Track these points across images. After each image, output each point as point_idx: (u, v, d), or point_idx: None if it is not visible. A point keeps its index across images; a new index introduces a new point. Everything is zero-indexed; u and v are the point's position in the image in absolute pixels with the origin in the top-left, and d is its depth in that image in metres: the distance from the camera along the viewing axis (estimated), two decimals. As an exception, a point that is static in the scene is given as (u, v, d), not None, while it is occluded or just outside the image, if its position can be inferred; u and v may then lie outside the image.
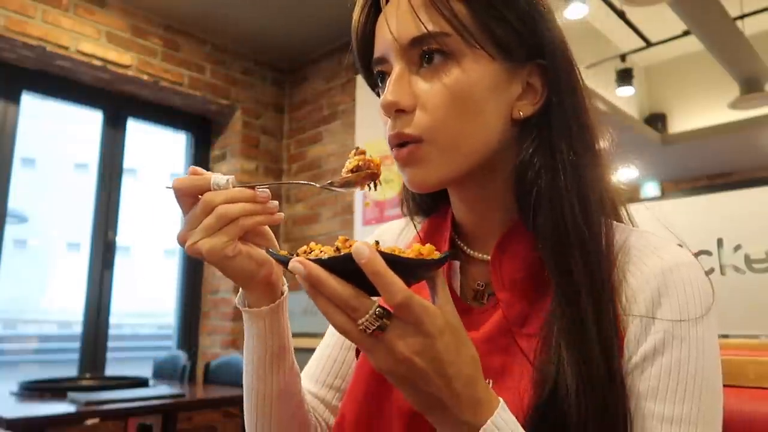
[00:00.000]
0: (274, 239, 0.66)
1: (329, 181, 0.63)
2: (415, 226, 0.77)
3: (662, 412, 0.54)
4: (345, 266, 0.46)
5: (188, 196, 0.60)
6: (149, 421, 2.60)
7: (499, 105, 0.61)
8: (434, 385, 0.48)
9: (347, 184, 0.63)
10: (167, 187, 0.62)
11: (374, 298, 0.48)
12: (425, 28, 0.58)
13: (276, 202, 0.62)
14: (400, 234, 0.81)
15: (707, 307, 0.57)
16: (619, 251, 0.60)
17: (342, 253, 0.47)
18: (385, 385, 0.64)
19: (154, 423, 2.58)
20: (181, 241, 0.60)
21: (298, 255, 0.50)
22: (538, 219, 0.60)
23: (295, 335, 0.73)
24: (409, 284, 0.47)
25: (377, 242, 0.50)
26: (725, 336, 1.50)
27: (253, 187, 0.61)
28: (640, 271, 0.58)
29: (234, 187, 0.60)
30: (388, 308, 0.47)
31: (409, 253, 0.50)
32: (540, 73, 0.62)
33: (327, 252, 0.50)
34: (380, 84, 0.66)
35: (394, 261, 0.46)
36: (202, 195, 0.59)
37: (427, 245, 0.51)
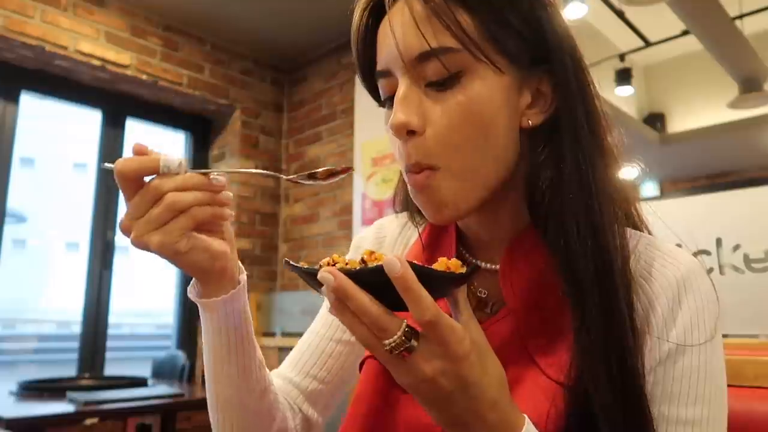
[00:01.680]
0: (229, 228, 0.62)
1: (296, 174, 0.62)
2: (416, 226, 0.75)
3: (675, 414, 0.55)
4: (374, 278, 0.45)
5: (133, 180, 0.54)
6: (148, 420, 2.60)
7: (510, 117, 0.58)
8: (458, 406, 0.48)
9: (314, 177, 0.61)
10: (105, 166, 0.55)
11: (397, 314, 0.47)
12: (429, 45, 0.55)
13: (230, 194, 0.58)
14: (401, 231, 0.79)
15: (717, 316, 0.58)
16: (631, 259, 0.60)
17: (371, 265, 0.46)
18: (390, 400, 0.63)
19: (153, 423, 2.58)
20: (125, 231, 0.55)
21: (321, 267, 0.48)
22: (549, 229, 0.58)
23: (293, 335, 0.73)
24: (434, 299, 0.46)
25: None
26: (724, 336, 1.50)
27: (207, 174, 0.56)
28: (654, 279, 0.59)
29: (186, 171, 0.55)
30: (414, 327, 0.47)
31: (437, 266, 0.49)
32: (549, 78, 0.60)
33: (352, 265, 0.48)
34: (383, 95, 0.63)
35: (423, 273, 0.45)
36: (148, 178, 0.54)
37: (453, 259, 0.50)
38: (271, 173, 0.63)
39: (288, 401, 0.75)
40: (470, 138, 0.56)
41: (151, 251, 0.55)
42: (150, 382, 2.82)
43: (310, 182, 0.61)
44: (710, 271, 1.47)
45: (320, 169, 0.61)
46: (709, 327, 0.57)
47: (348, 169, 0.61)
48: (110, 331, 3.33)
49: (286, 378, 0.77)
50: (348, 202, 3.48)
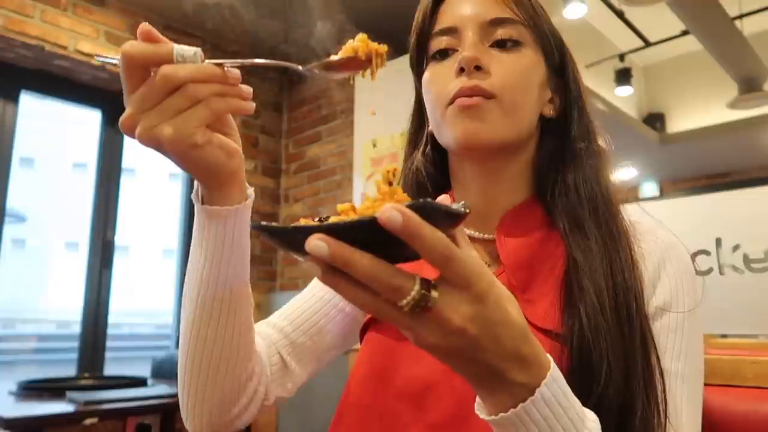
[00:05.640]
0: (236, 130, 0.58)
1: (315, 64, 0.57)
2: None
3: (666, 367, 0.59)
4: (368, 234, 0.38)
5: (140, 68, 0.49)
6: (148, 420, 2.59)
7: (540, 97, 0.69)
8: (487, 351, 0.42)
9: (333, 68, 0.56)
10: (100, 59, 0.50)
11: (405, 268, 0.41)
12: (509, 12, 0.66)
13: (249, 88, 0.54)
14: None
15: (695, 280, 0.65)
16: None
17: (361, 218, 0.39)
18: (391, 363, 0.64)
19: (152, 422, 2.58)
20: (128, 127, 0.49)
21: (297, 227, 0.40)
22: (557, 186, 0.68)
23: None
24: None
25: (353, 206, 0.45)
26: (724, 336, 1.50)
27: (221, 65, 0.52)
28: (643, 242, 0.66)
29: (203, 61, 0.51)
30: (427, 278, 0.41)
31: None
32: (559, 88, 0.72)
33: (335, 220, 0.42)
34: (437, 48, 0.69)
35: (423, 209, 0.38)
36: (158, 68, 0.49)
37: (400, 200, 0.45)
38: (288, 64, 0.59)
39: (270, 346, 0.73)
40: (523, 87, 0.66)
41: (161, 147, 0.49)
42: (149, 382, 2.82)
43: (331, 74, 0.57)
44: (710, 271, 1.47)
45: (336, 58, 0.57)
46: (690, 288, 0.63)
47: (367, 64, 0.58)
48: (110, 331, 3.33)
49: (274, 325, 0.75)
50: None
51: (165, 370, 3.16)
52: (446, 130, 0.66)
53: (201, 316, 0.61)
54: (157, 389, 2.53)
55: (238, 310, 0.62)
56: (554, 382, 0.44)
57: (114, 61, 0.50)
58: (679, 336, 0.61)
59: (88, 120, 3.52)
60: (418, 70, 0.73)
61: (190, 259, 0.61)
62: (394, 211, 0.36)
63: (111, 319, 3.33)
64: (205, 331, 0.61)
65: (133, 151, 3.59)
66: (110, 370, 3.27)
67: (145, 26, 0.49)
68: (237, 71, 0.53)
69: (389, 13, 3.22)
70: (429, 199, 0.39)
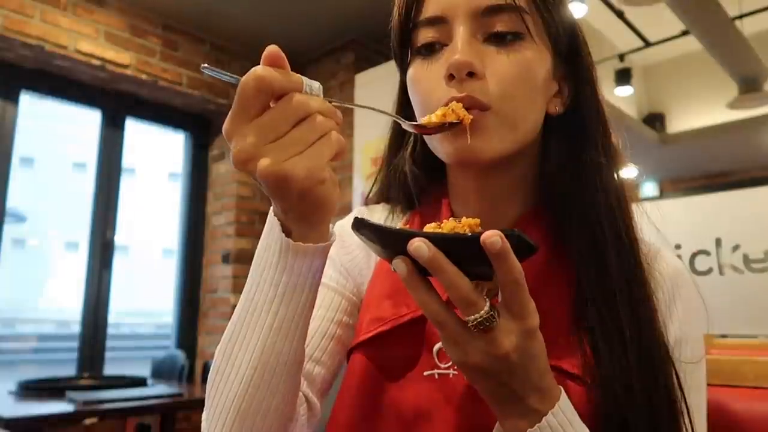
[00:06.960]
0: None
1: (416, 123, 0.58)
2: (403, 213, 0.72)
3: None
4: (461, 248, 0.44)
5: (268, 95, 0.45)
6: (147, 420, 2.60)
7: (544, 96, 0.62)
8: (518, 380, 0.47)
9: (426, 129, 0.57)
10: (207, 68, 0.45)
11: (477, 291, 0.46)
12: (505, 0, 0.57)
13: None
14: (384, 222, 0.74)
15: (702, 311, 0.63)
16: None
17: (465, 234, 0.45)
18: (379, 386, 0.62)
19: (152, 422, 2.58)
20: (245, 158, 0.45)
21: (401, 230, 0.47)
22: (566, 202, 0.62)
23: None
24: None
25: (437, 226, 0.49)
26: (724, 336, 1.50)
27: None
28: (657, 271, 0.62)
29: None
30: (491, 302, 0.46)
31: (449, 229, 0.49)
32: (568, 76, 0.64)
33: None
34: (423, 41, 0.60)
35: (512, 237, 0.44)
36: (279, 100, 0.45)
37: (470, 219, 0.49)
38: (396, 116, 0.60)
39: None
40: (523, 92, 0.58)
41: (287, 182, 0.44)
42: (149, 381, 2.82)
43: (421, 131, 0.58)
44: (710, 271, 1.47)
45: (431, 121, 0.56)
46: (700, 318, 0.62)
47: (457, 123, 0.55)
48: (109, 331, 3.33)
49: None
50: (347, 202, 3.48)
51: (165, 370, 3.16)
52: (437, 143, 0.60)
53: (255, 383, 0.55)
54: (157, 389, 2.53)
55: (291, 379, 0.55)
56: (561, 412, 0.48)
57: (226, 77, 0.46)
58: (689, 369, 0.59)
59: (88, 120, 3.52)
60: (401, 61, 0.65)
61: (249, 302, 0.53)
62: (497, 236, 0.42)
63: (111, 319, 3.33)
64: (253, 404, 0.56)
65: (133, 151, 3.59)
66: (110, 370, 3.27)
67: (273, 50, 0.46)
68: (339, 112, 0.50)
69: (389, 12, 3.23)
70: (518, 231, 0.44)
